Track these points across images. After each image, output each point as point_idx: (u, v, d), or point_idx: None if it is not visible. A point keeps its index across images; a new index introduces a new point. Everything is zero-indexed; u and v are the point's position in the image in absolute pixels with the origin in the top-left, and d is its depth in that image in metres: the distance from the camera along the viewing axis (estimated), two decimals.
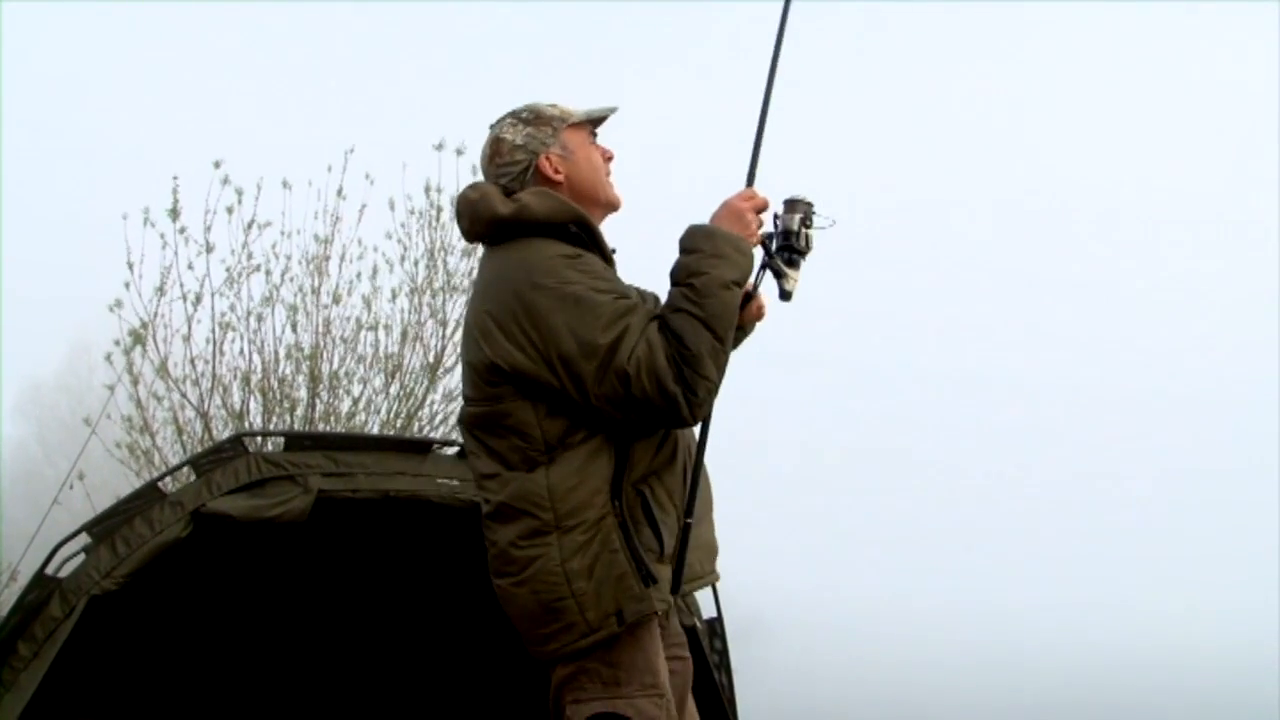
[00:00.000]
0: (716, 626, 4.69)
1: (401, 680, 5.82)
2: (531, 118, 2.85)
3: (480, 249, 2.98)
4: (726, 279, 2.62)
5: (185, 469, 4.40)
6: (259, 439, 6.71)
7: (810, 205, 2.86)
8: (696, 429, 2.76)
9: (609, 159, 2.92)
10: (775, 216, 2.85)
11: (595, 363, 2.54)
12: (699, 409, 2.59)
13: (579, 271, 2.64)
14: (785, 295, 2.83)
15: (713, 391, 2.60)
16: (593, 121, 2.90)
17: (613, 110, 2.93)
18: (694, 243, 2.68)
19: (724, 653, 4.70)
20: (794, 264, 2.82)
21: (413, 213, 9.58)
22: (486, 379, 2.68)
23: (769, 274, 2.84)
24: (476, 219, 2.80)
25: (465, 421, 2.78)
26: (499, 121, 2.88)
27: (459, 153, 9.22)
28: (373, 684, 5.78)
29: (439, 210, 9.53)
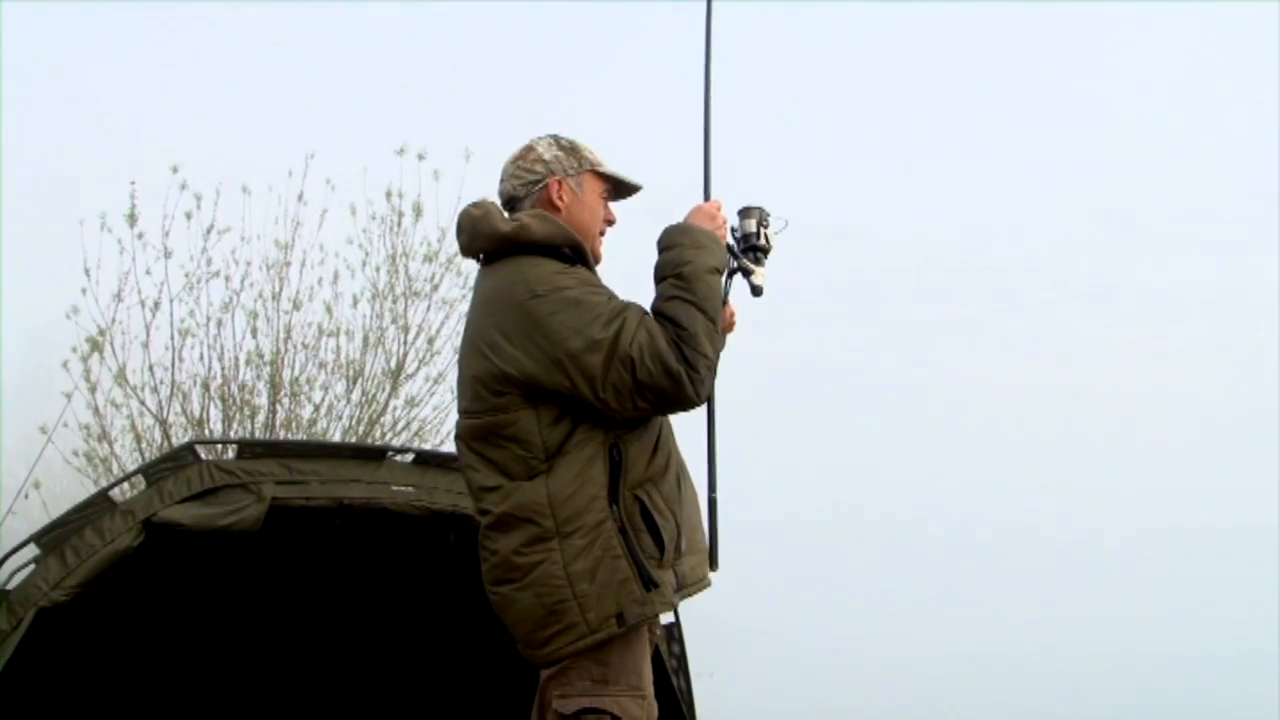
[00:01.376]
0: (674, 631, 4.69)
1: (358, 688, 5.79)
2: (568, 146, 3.04)
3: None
4: (709, 265, 2.84)
5: (138, 477, 4.36)
6: (218, 446, 6.65)
7: (764, 210, 3.12)
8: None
9: (609, 222, 3.10)
10: (732, 229, 3.06)
11: (601, 355, 2.69)
12: (701, 386, 2.76)
13: (572, 279, 2.81)
14: (757, 291, 3.06)
15: (712, 369, 2.79)
16: (616, 185, 3.07)
17: (638, 188, 3.11)
18: (673, 239, 2.88)
19: (682, 657, 4.71)
20: (759, 262, 3.07)
21: (374, 218, 9.56)
22: (493, 389, 2.79)
23: (737, 281, 3.06)
24: (477, 235, 2.93)
25: (462, 435, 2.89)
26: (541, 136, 3.07)
27: (420, 158, 9.21)
28: (328, 693, 5.75)
29: (400, 215, 9.51)
